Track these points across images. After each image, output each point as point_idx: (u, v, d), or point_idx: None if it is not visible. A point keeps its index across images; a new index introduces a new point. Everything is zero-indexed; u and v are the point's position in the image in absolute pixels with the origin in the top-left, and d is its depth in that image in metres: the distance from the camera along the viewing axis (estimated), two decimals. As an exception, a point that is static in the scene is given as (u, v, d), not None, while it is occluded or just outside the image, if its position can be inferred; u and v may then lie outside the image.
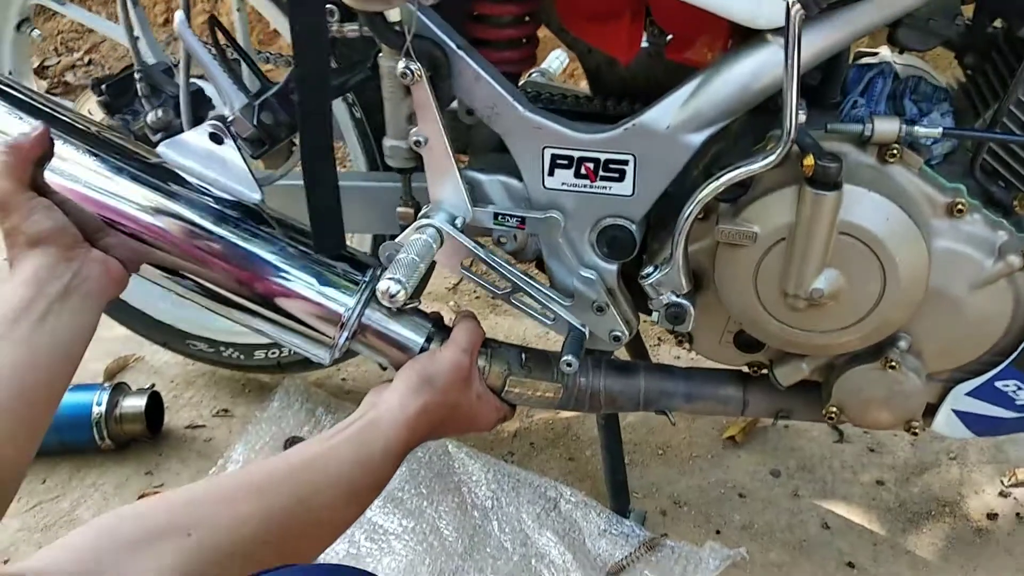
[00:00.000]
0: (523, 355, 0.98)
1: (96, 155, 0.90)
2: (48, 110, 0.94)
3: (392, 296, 0.83)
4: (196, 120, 1.01)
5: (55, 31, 2.76)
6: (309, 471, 0.78)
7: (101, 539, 0.65)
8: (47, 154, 0.82)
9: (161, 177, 0.92)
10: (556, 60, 1.27)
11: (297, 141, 0.97)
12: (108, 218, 0.88)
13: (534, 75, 1.20)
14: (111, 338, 1.66)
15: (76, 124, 0.94)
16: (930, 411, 0.97)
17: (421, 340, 0.94)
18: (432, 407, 0.87)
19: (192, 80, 1.05)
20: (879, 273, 0.82)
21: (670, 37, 0.94)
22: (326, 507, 0.77)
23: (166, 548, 0.65)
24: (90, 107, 1.18)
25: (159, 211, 0.90)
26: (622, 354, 1.10)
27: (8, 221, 0.78)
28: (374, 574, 0.61)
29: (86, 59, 2.77)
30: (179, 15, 0.86)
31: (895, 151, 0.80)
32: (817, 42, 0.76)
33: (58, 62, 2.73)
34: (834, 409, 0.95)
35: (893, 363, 0.90)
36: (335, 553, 1.22)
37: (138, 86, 1.05)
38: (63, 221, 0.80)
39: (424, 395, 0.86)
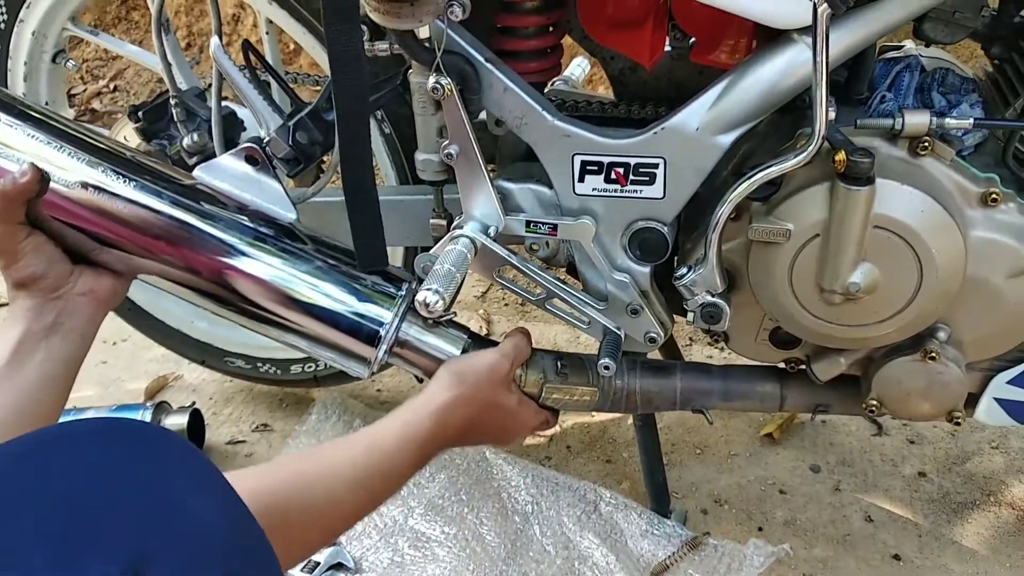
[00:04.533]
0: (558, 362, 0.99)
1: (130, 179, 0.91)
2: (82, 137, 0.94)
3: (430, 307, 0.84)
4: (228, 142, 1.03)
5: (80, 59, 2.81)
6: (311, 460, 0.82)
7: None
8: (41, 189, 0.84)
9: (196, 199, 0.93)
10: (578, 67, 1.27)
11: (327, 160, 0.99)
12: (138, 242, 0.89)
13: (557, 83, 1.21)
14: (150, 358, 1.69)
15: (110, 150, 0.94)
16: (971, 401, 0.96)
17: (457, 352, 0.95)
18: (462, 401, 0.88)
19: (224, 103, 1.07)
20: (915, 265, 0.82)
21: (693, 40, 0.94)
22: (327, 493, 0.78)
23: None
24: (126, 134, 1.20)
25: (195, 232, 0.91)
26: (655, 355, 1.10)
27: (2, 262, 0.84)
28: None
29: (111, 86, 2.81)
30: (215, 41, 0.88)
31: (926, 143, 0.80)
32: (844, 40, 0.76)
33: (84, 90, 2.77)
34: (874, 402, 0.95)
35: (933, 354, 0.89)
36: (379, 561, 1.24)
37: (173, 111, 1.08)
38: (47, 262, 0.84)
39: (454, 389, 0.88)
